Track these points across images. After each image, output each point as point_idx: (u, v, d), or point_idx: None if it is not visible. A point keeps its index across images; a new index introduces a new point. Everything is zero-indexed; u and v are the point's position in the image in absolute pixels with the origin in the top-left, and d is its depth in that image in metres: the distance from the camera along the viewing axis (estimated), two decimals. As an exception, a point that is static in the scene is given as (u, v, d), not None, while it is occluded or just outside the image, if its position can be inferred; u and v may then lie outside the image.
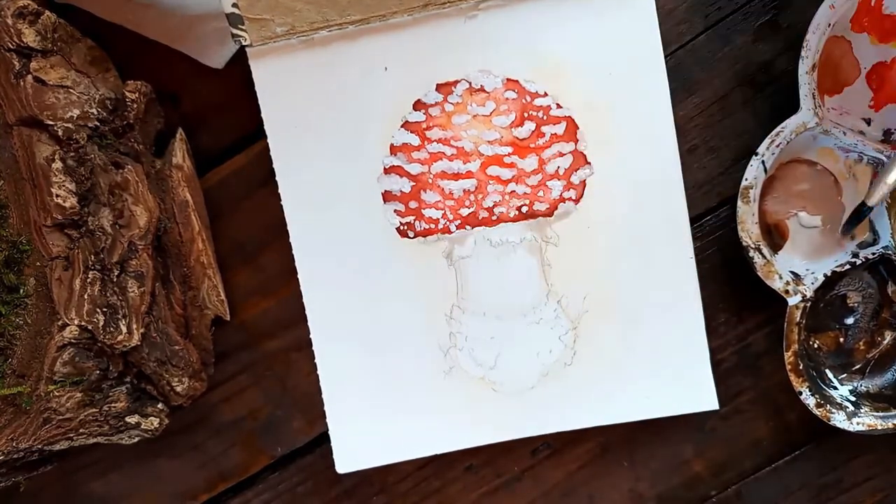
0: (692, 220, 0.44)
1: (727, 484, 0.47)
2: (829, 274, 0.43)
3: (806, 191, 0.45)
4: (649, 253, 0.44)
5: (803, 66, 0.41)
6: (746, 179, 0.42)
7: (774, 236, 0.44)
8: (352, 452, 0.45)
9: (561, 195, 0.43)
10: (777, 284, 0.43)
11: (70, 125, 0.39)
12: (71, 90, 0.39)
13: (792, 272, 0.43)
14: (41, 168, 0.38)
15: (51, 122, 0.38)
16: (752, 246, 0.42)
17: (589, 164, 0.43)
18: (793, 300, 0.43)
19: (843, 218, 0.44)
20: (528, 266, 0.44)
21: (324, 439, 0.46)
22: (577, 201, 0.44)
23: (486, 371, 0.44)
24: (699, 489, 0.47)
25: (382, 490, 0.47)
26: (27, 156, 0.39)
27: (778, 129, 0.42)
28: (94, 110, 0.40)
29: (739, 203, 0.42)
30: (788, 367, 0.42)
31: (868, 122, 0.44)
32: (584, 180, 0.43)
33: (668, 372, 0.44)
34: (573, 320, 0.44)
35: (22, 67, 0.38)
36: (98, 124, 0.40)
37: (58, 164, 0.38)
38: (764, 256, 0.42)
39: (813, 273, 0.43)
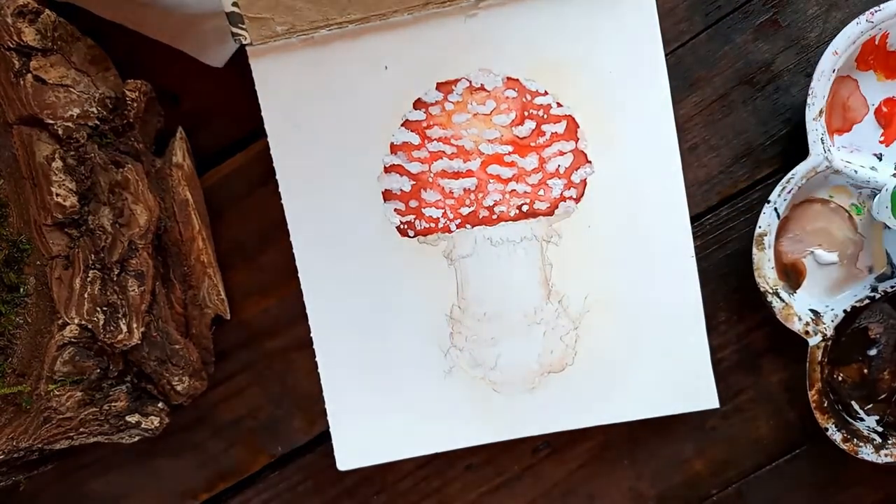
0: (693, 219, 0.44)
1: (728, 483, 0.47)
2: (848, 309, 0.44)
3: (821, 228, 0.45)
4: (650, 252, 0.44)
5: (810, 113, 0.41)
6: (760, 227, 0.42)
7: (791, 276, 0.44)
8: (352, 450, 0.45)
9: (561, 194, 0.43)
10: (797, 326, 0.43)
11: (70, 124, 0.39)
12: (71, 89, 0.39)
13: (811, 310, 0.43)
14: (41, 167, 0.38)
15: (51, 121, 0.38)
16: (770, 291, 0.43)
17: (589, 162, 0.43)
18: (813, 340, 0.43)
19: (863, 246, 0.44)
20: (528, 265, 0.44)
21: (324, 438, 0.46)
22: (577, 200, 0.43)
23: (486, 371, 0.44)
24: (700, 488, 0.47)
25: (382, 489, 0.47)
26: (27, 155, 0.39)
27: (788, 175, 0.42)
28: (94, 109, 0.40)
29: (755, 250, 0.42)
30: (813, 405, 0.43)
31: (879, 157, 0.44)
32: (585, 179, 0.43)
33: (669, 371, 0.44)
34: (574, 320, 0.44)
35: (22, 66, 0.38)
36: (98, 123, 0.40)
37: (58, 163, 0.38)
38: (782, 300, 0.43)
39: (833, 310, 0.44)
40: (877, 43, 0.42)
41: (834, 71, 0.41)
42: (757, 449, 0.47)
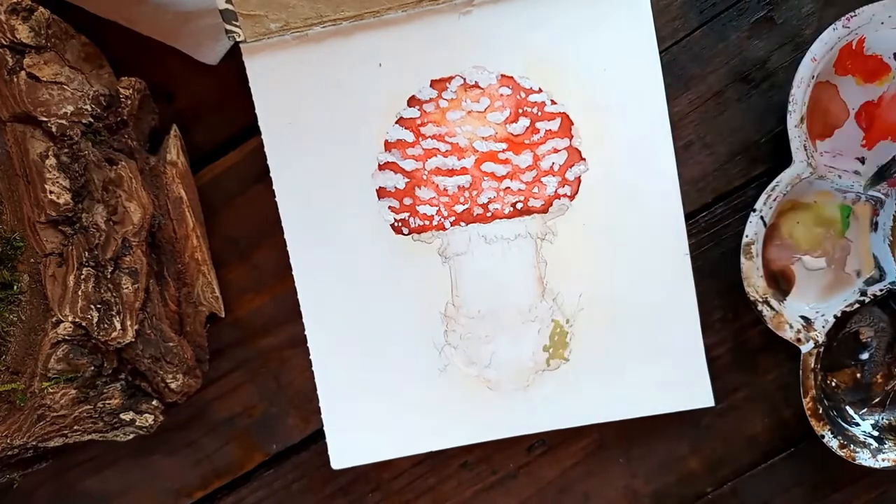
0: (687, 217, 0.44)
1: (723, 481, 0.47)
2: (838, 315, 0.44)
3: (808, 234, 0.45)
4: (644, 250, 0.43)
5: (792, 120, 0.41)
6: (747, 236, 0.42)
7: (781, 282, 0.44)
8: (346, 449, 0.45)
9: (556, 192, 0.43)
10: (788, 334, 0.43)
11: (64, 121, 0.39)
12: (65, 86, 0.39)
13: (802, 317, 0.43)
14: (35, 164, 0.38)
15: (45, 119, 0.38)
16: (760, 300, 0.43)
17: (584, 160, 0.43)
18: (805, 347, 0.43)
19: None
20: (522, 263, 0.44)
21: (318, 436, 0.46)
22: (572, 198, 0.43)
23: (480, 369, 0.44)
24: (695, 486, 0.47)
25: (377, 487, 0.47)
26: (21, 152, 0.39)
27: (773, 183, 0.42)
28: (87, 107, 0.40)
29: (743, 259, 0.42)
30: (808, 412, 0.43)
31: (862, 161, 0.44)
32: (579, 177, 0.43)
33: (664, 369, 0.44)
34: (568, 318, 0.44)
35: (15, 64, 0.38)
36: (92, 121, 0.40)
37: (52, 161, 0.38)
38: (773, 308, 0.43)
39: (823, 315, 0.44)
40: (854, 47, 0.42)
41: (813, 77, 0.41)
42: (752, 447, 0.47)
